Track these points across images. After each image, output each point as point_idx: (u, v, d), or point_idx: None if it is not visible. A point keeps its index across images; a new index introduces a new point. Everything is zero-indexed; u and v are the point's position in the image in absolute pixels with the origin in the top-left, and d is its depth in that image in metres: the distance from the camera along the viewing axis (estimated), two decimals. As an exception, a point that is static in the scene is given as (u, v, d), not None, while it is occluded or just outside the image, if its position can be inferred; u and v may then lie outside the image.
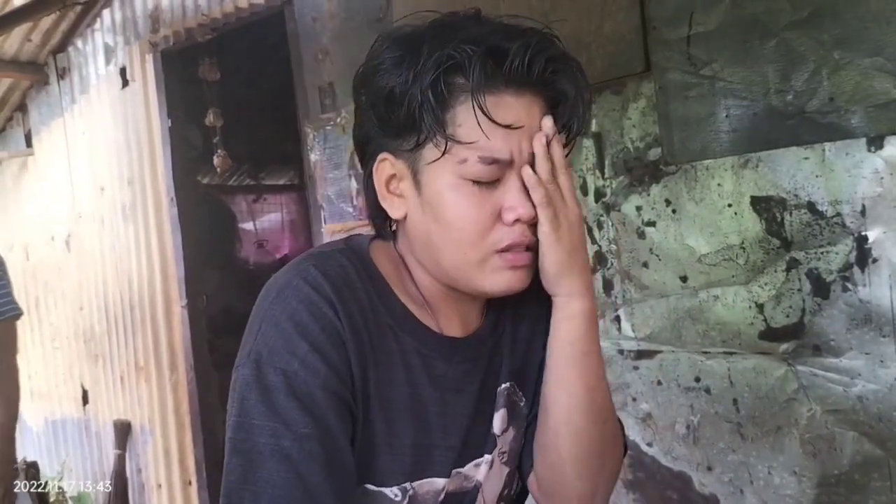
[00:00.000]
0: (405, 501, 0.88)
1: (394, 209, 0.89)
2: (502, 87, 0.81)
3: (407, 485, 0.88)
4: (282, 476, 0.77)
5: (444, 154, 0.82)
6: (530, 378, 1.01)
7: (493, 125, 0.81)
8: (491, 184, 0.83)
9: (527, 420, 1.02)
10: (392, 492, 0.88)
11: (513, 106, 0.82)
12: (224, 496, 0.78)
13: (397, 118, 0.84)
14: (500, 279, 0.87)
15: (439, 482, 0.92)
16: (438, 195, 0.84)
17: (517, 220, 0.84)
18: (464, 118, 0.81)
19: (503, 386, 0.98)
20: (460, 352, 0.94)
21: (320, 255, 0.88)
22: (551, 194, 0.84)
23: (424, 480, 0.90)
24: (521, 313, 1.01)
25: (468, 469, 0.95)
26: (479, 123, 0.80)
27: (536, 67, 0.82)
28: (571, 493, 0.95)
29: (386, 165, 0.88)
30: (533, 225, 0.86)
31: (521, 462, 1.02)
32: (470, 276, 0.87)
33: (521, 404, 1.01)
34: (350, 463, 0.82)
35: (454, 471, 0.94)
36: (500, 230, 0.85)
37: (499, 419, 0.98)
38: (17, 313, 2.30)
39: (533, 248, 0.87)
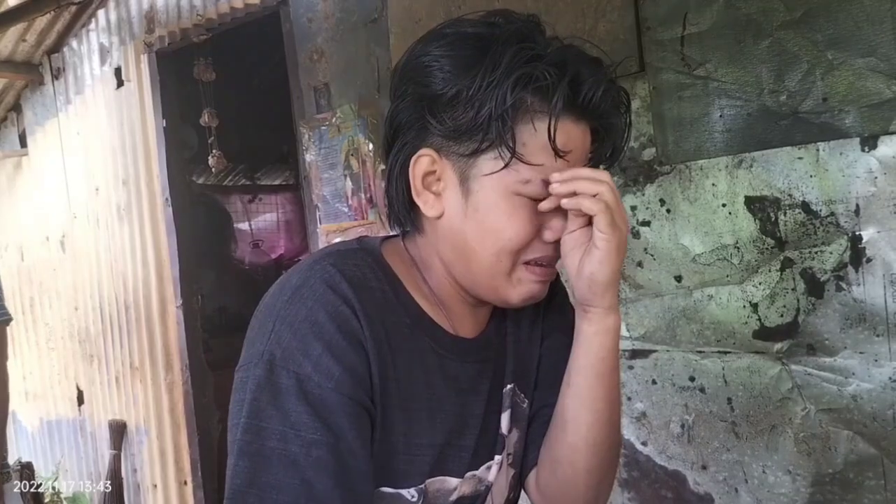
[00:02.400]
0: (420, 502, 0.88)
1: (429, 207, 0.87)
2: (569, 115, 0.82)
3: (423, 485, 0.88)
4: (287, 482, 0.76)
5: (504, 168, 0.82)
6: (530, 379, 1.02)
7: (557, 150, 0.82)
8: (538, 201, 0.84)
9: (527, 421, 1.02)
10: (409, 493, 0.87)
11: (573, 132, 0.83)
12: (228, 498, 0.77)
13: (458, 121, 0.82)
14: (526, 290, 0.88)
15: (452, 482, 0.92)
16: (493, 206, 0.84)
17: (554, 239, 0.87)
18: (528, 138, 0.81)
19: (508, 387, 0.99)
20: (473, 352, 0.95)
21: (337, 254, 0.87)
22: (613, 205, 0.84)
23: (436, 478, 0.90)
24: (521, 316, 1.02)
25: (482, 472, 0.96)
26: (552, 149, 0.81)
27: (603, 102, 0.83)
28: (578, 502, 0.96)
29: (426, 161, 0.86)
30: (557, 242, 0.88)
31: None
32: (497, 285, 0.88)
33: (524, 406, 1.02)
34: (364, 469, 0.80)
35: (469, 473, 0.94)
36: (536, 245, 0.87)
37: (505, 420, 0.98)
38: (7, 318, 2.29)
39: (555, 263, 0.90)
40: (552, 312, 1.03)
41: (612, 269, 0.85)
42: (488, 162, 0.83)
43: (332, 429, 0.78)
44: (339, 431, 0.78)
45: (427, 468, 0.88)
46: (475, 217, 0.85)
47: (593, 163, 0.91)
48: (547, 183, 0.82)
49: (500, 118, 0.79)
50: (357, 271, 0.85)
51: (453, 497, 0.92)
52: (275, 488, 0.76)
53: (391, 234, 0.99)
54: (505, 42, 0.81)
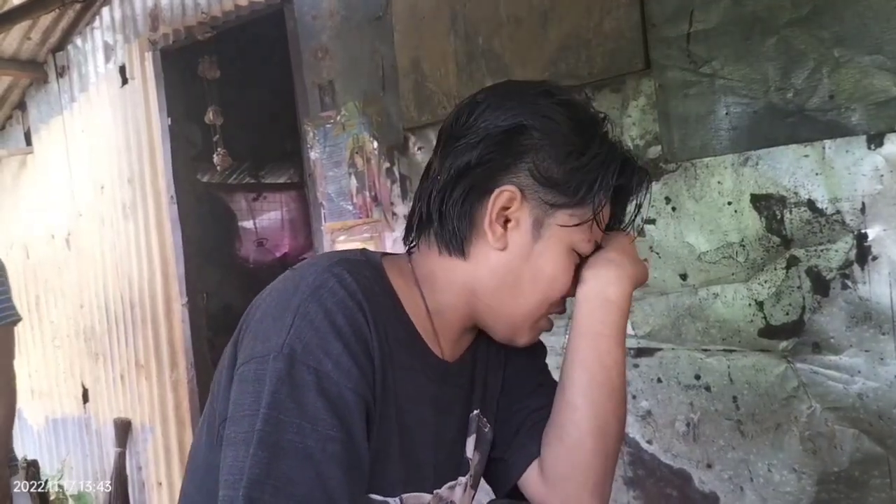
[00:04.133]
0: None
1: (496, 238, 0.92)
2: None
3: (401, 496, 0.91)
4: (302, 475, 0.78)
5: (577, 225, 0.92)
6: (492, 405, 1.07)
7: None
8: (580, 259, 0.97)
9: (491, 445, 1.07)
10: (394, 501, 0.90)
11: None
12: (245, 486, 0.78)
13: (561, 177, 0.91)
14: (532, 336, 0.99)
15: (425, 497, 0.96)
16: (555, 254, 0.93)
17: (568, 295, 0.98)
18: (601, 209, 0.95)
19: (474, 412, 1.04)
20: (452, 376, 0.99)
21: (348, 263, 0.90)
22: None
23: (412, 494, 0.93)
24: (490, 344, 1.05)
25: (444, 491, 0.99)
26: (617, 223, 1.00)
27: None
28: (588, 471, 0.97)
29: (507, 197, 0.91)
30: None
31: (507, 469, 1.06)
32: (519, 325, 0.97)
33: (486, 430, 1.06)
34: (366, 468, 0.83)
35: (435, 491, 0.98)
36: (560, 299, 0.98)
37: (470, 444, 1.03)
38: (16, 319, 2.28)
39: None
40: None
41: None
42: (565, 216, 0.92)
43: (346, 426, 0.80)
44: (351, 429, 0.81)
45: (406, 480, 0.92)
46: (538, 261, 0.93)
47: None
48: (595, 245, 0.97)
49: (603, 191, 0.92)
50: (367, 283, 0.88)
51: None
52: (290, 481, 0.78)
53: (387, 251, 1.04)
54: (601, 124, 0.96)
